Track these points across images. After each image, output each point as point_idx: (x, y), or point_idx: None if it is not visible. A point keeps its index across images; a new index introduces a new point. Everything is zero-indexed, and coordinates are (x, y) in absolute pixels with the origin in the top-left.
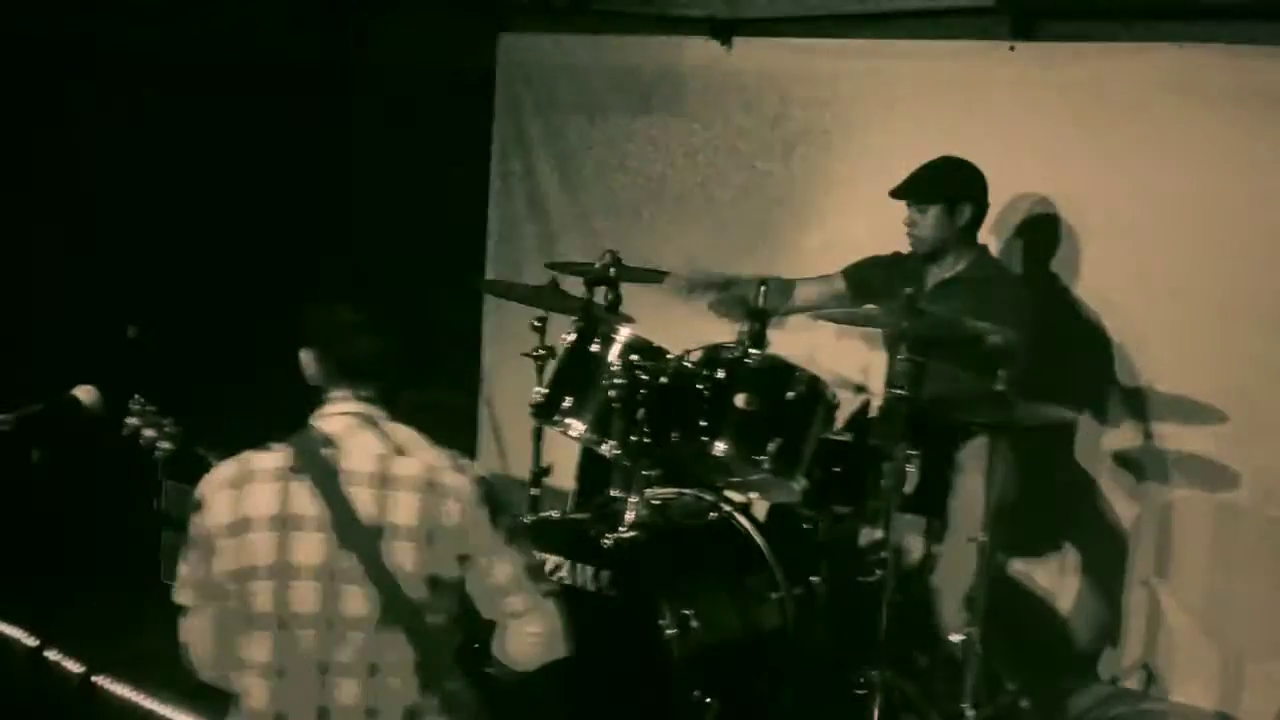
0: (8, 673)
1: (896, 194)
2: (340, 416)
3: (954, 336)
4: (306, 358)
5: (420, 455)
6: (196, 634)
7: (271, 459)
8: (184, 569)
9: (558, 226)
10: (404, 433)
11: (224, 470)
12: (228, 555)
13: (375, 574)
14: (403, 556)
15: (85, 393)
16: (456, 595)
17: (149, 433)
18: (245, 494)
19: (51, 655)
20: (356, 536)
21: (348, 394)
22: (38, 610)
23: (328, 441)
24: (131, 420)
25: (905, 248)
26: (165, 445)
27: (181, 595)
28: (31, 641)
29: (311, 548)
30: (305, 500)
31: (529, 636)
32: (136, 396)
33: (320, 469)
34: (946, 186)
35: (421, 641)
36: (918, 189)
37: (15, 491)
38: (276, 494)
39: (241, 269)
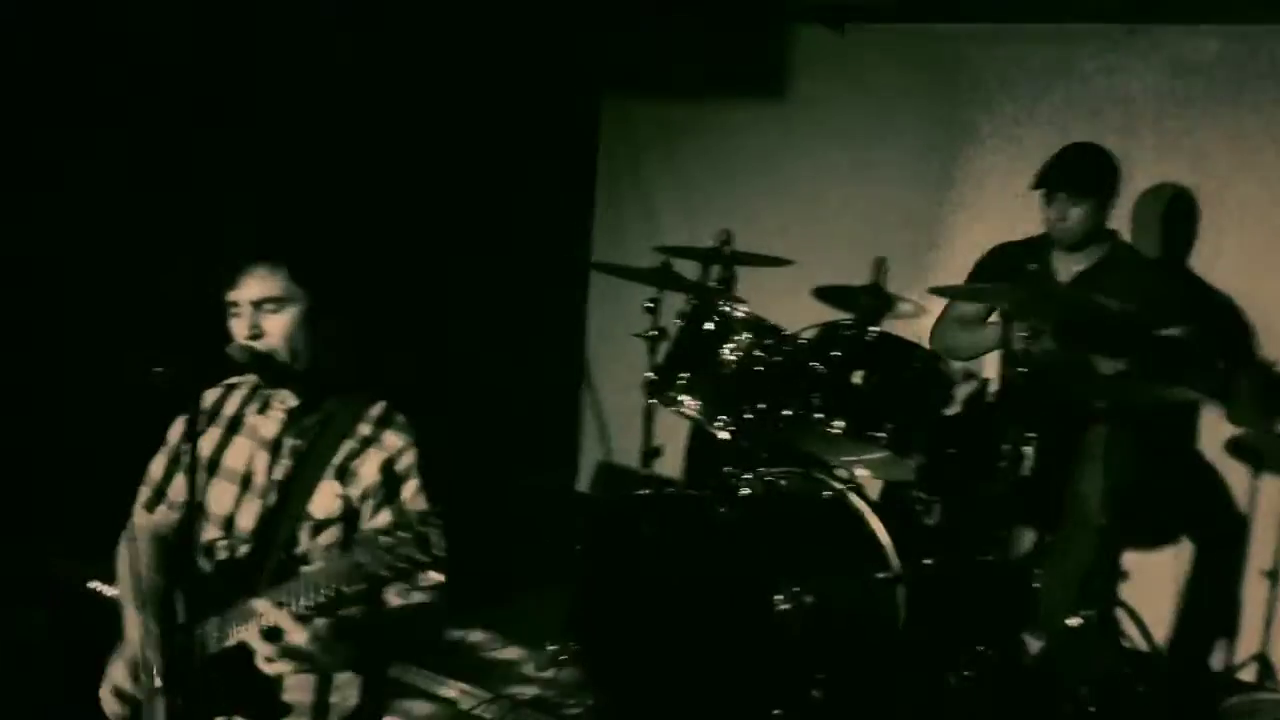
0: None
1: (1050, 185)
2: None
3: (1093, 319)
4: None
5: None
6: None
7: None
8: None
9: (663, 212)
10: None
11: None
12: None
13: None
14: None
15: (237, 350)
16: None
17: None
18: None
19: None
20: None
21: None
22: None
23: None
24: None
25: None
26: None
27: None
28: None
29: None
30: None
31: None
32: None
33: None
34: (1101, 180)
35: None
36: (1075, 181)
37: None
38: None
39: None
